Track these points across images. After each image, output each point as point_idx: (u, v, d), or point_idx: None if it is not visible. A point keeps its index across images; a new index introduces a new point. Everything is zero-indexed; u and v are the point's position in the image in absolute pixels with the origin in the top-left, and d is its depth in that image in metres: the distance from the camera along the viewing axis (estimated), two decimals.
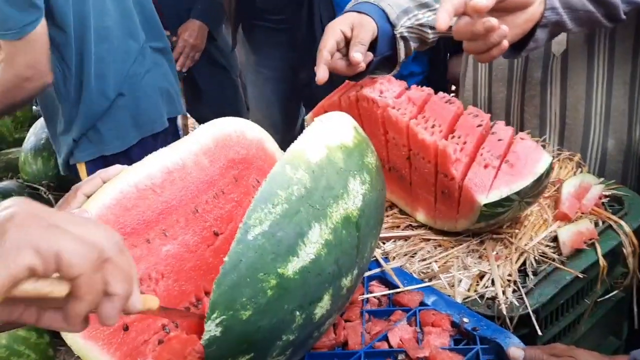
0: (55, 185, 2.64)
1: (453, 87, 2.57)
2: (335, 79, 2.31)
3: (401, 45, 1.38)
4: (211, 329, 0.75)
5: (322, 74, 1.25)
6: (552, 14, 1.18)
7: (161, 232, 0.94)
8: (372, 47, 1.32)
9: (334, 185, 0.83)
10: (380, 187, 0.96)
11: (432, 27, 1.44)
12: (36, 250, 0.51)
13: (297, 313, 0.80)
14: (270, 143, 1.09)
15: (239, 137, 1.04)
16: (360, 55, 1.25)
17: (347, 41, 1.30)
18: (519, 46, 1.22)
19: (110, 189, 0.87)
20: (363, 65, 1.27)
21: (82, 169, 2.11)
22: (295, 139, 0.85)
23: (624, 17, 1.26)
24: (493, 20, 1.05)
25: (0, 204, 0.54)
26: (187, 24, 2.67)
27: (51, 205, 2.54)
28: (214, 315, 0.74)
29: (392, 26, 1.36)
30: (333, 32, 1.28)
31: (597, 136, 1.50)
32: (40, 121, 2.76)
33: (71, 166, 2.15)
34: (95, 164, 2.08)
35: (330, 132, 0.89)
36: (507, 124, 1.27)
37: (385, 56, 1.38)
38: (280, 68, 2.75)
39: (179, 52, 2.64)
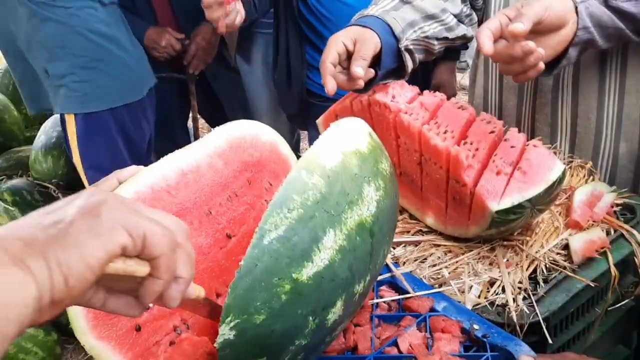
0: (64, 184, 2.65)
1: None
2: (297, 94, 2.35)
3: (407, 57, 1.38)
4: (225, 332, 0.75)
5: (331, 86, 1.25)
6: (584, 34, 1.21)
7: None
8: (377, 61, 1.32)
9: (348, 191, 0.83)
10: (394, 193, 0.96)
11: (438, 39, 1.43)
12: (128, 231, 0.55)
13: (310, 318, 0.80)
14: (283, 146, 1.09)
15: (253, 140, 1.04)
16: (361, 70, 1.24)
17: (349, 54, 1.29)
18: (550, 64, 1.24)
19: (125, 189, 0.87)
20: (361, 84, 1.26)
21: (70, 120, 2.17)
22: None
23: None
24: (531, 44, 1.08)
25: (84, 193, 0.58)
26: (201, 28, 2.67)
27: None
28: (228, 318, 0.74)
29: (397, 40, 1.35)
30: (335, 44, 1.28)
31: (608, 145, 1.49)
32: (51, 120, 2.78)
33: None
34: (85, 119, 2.16)
35: (345, 137, 0.88)
36: (518, 132, 1.28)
37: (390, 70, 1.38)
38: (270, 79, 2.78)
39: (192, 54, 2.65)
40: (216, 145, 1.00)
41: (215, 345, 0.76)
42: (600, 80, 1.45)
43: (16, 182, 2.64)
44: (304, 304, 0.78)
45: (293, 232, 0.76)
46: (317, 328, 0.82)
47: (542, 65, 1.14)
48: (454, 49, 2.52)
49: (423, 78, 2.54)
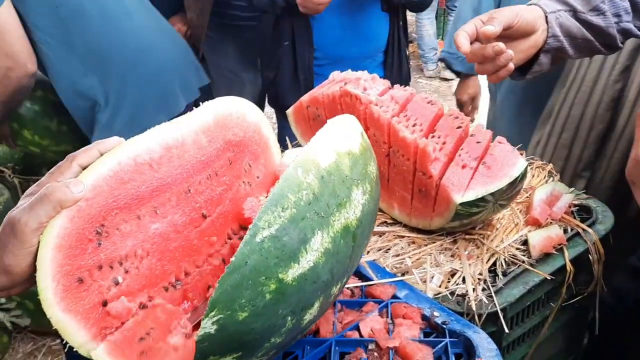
0: (20, 169, 2.59)
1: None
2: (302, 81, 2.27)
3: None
4: (207, 326, 0.75)
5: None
6: (553, 41, 1.26)
7: (152, 210, 0.90)
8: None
9: (339, 192, 0.84)
10: (377, 197, 0.97)
11: None
12: None
13: (289, 318, 0.81)
14: (266, 127, 1.06)
15: (239, 118, 1.01)
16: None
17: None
18: (525, 70, 1.31)
19: (108, 159, 0.84)
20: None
21: None
22: None
23: (621, 45, 1.33)
24: (501, 45, 1.15)
25: None
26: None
27: (15, 189, 2.47)
28: (212, 313, 0.74)
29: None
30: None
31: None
32: None
33: None
34: None
35: (340, 137, 0.88)
36: None
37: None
38: (249, 68, 2.73)
39: None
40: (203, 121, 0.98)
41: (195, 337, 0.76)
42: None
43: None
44: (285, 304, 0.79)
45: (284, 231, 0.76)
46: (292, 327, 0.83)
47: (511, 66, 1.20)
48: None
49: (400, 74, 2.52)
